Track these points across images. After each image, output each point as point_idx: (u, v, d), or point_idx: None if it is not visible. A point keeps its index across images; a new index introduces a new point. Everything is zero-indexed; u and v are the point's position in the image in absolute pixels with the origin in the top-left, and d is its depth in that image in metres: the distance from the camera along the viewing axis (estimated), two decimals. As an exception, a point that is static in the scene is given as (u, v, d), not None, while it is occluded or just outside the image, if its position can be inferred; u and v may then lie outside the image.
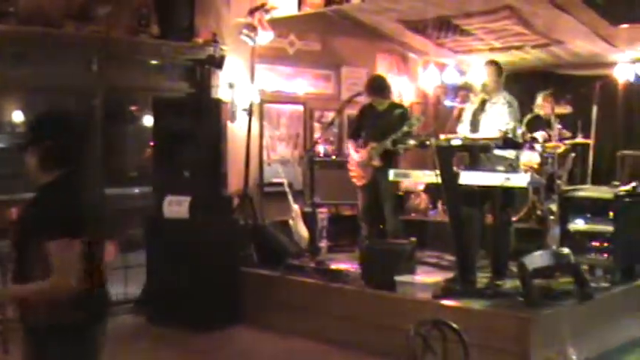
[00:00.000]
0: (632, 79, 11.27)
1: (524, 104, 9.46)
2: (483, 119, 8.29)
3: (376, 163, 9.16)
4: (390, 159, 9.13)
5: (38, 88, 8.92)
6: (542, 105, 10.35)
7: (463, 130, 8.41)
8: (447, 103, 11.55)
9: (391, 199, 9.37)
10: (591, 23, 9.94)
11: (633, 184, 8.61)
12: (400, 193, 10.79)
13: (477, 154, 7.85)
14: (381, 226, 9.45)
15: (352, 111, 10.28)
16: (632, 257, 8.39)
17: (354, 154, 9.43)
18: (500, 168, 7.87)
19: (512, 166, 8.07)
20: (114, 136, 9.79)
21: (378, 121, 9.34)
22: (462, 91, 11.67)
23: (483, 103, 8.38)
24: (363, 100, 9.75)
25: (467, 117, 8.51)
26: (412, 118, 9.14)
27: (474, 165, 7.83)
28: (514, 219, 8.82)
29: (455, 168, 7.90)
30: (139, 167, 10.04)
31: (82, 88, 9.24)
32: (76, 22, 8.90)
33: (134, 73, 9.61)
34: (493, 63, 8.64)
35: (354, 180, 9.46)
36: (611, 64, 11.37)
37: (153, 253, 8.91)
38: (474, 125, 8.34)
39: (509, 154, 8.11)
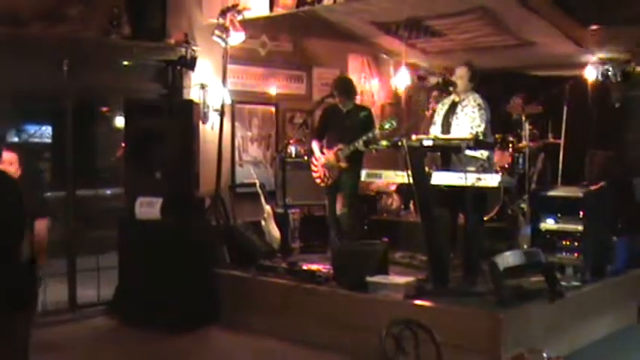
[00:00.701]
0: (601, 79, 11.34)
1: (495, 105, 9.50)
2: (454, 121, 8.31)
3: (343, 164, 9.15)
4: (356, 160, 9.13)
5: (7, 89, 8.83)
6: (514, 106, 10.40)
7: (435, 132, 8.43)
8: (420, 103, 11.58)
9: (352, 202, 9.33)
10: (561, 24, 9.99)
11: (602, 183, 8.68)
12: (372, 193, 10.80)
13: (448, 154, 7.88)
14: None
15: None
16: (602, 256, 8.46)
17: (320, 156, 9.42)
18: (472, 168, 7.90)
19: (484, 167, 8.10)
20: (85, 137, 9.73)
21: (344, 122, 9.32)
22: (434, 92, 11.73)
23: (454, 105, 8.40)
24: (333, 101, 9.76)
25: (438, 119, 8.54)
26: (382, 122, 9.12)
27: (446, 166, 7.86)
28: (485, 219, 8.85)
29: (427, 168, 7.93)
30: (110, 168, 10.01)
31: (53, 89, 9.18)
32: (46, 23, 8.83)
33: (105, 74, 9.54)
34: (468, 65, 8.65)
35: (317, 181, 9.42)
36: (582, 65, 11.44)
37: (125, 255, 8.89)
38: (446, 127, 8.37)
39: (481, 154, 8.14)
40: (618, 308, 8.58)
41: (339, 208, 9.35)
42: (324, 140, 9.44)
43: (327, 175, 9.29)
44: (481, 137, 7.97)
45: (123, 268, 8.92)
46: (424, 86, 12.92)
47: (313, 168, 9.45)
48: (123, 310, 8.85)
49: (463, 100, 8.34)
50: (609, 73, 11.20)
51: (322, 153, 9.36)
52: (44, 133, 9.58)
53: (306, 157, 10.86)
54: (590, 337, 7.91)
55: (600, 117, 11.77)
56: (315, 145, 9.53)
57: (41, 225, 4.86)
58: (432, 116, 9.18)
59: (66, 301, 8.96)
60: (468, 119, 8.19)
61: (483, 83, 8.61)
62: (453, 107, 8.42)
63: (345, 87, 9.52)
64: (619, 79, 11.23)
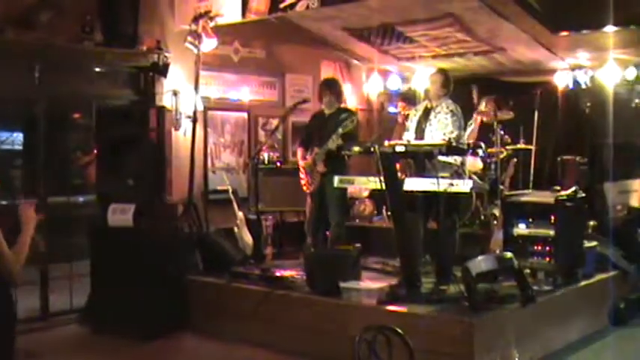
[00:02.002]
0: (571, 85, 11.44)
1: (467, 111, 9.54)
2: (428, 127, 8.33)
3: (320, 168, 9.16)
4: (336, 164, 9.12)
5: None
6: (485, 111, 10.43)
7: (409, 138, 8.45)
8: (391, 109, 11.61)
9: (337, 206, 9.33)
10: (532, 31, 10.06)
11: (573, 188, 8.73)
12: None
13: (422, 160, 7.90)
14: (326, 233, 9.44)
15: (296, 118, 10.33)
16: (573, 260, 8.51)
17: (300, 161, 9.44)
18: (445, 174, 7.92)
19: (458, 172, 8.13)
20: (57, 144, 9.67)
21: (324, 126, 9.34)
22: (405, 98, 11.79)
23: (427, 111, 8.42)
24: (309, 107, 9.77)
25: (412, 125, 8.56)
26: (347, 120, 9.11)
27: (420, 171, 7.88)
28: (458, 224, 8.87)
29: (399, 174, 7.95)
30: (82, 175, 9.95)
31: (24, 95, 9.12)
32: (18, 29, 8.78)
33: (77, 81, 9.50)
34: (441, 72, 8.67)
35: (304, 187, 9.45)
36: (552, 71, 11.54)
37: (97, 262, 8.84)
38: (419, 133, 8.39)
39: (454, 160, 8.17)
40: (590, 312, 8.63)
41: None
42: (310, 146, 9.44)
43: (309, 180, 9.31)
44: (454, 143, 7.99)
45: (95, 276, 8.87)
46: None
47: (300, 174, 9.47)
48: (95, 317, 8.81)
49: (436, 106, 8.36)
50: (579, 79, 11.31)
51: (304, 158, 9.38)
52: (15, 140, 9.52)
53: (278, 164, 10.87)
54: (562, 341, 7.95)
55: (571, 123, 11.86)
56: (299, 152, 9.56)
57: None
58: (404, 122, 9.21)
59: (38, 309, 8.90)
60: (441, 125, 8.22)
61: (455, 89, 8.65)
62: (426, 113, 8.44)
63: (337, 87, 9.57)
64: (588, 85, 11.33)
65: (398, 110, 11.04)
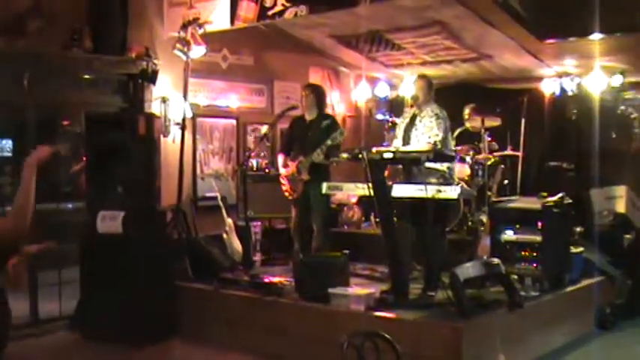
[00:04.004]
0: (557, 92, 11.50)
1: (455, 117, 9.59)
2: (414, 133, 8.38)
3: (305, 176, 9.18)
4: (320, 172, 9.15)
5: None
6: (469, 118, 10.49)
7: (397, 145, 8.50)
8: (379, 116, 11.65)
9: (321, 213, 9.35)
10: (519, 38, 10.11)
11: (560, 194, 8.78)
12: (333, 205, 10.83)
13: (409, 166, 7.94)
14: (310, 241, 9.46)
15: (285, 125, 10.31)
16: (560, 266, 8.56)
17: (282, 169, 9.46)
18: (434, 180, 7.97)
19: (446, 178, 8.17)
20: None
21: (307, 133, 9.37)
22: (393, 105, 11.85)
23: (414, 117, 8.48)
24: (297, 113, 9.79)
25: (400, 132, 8.61)
26: (336, 132, 9.15)
27: (408, 178, 7.91)
28: (446, 230, 8.91)
29: (387, 181, 7.98)
30: (72, 182, 9.93)
31: (14, 102, 9.12)
32: (7, 36, 8.79)
33: (66, 88, 9.51)
34: (423, 77, 8.74)
35: (286, 194, 9.47)
36: (538, 78, 11.60)
37: (87, 269, 8.84)
38: (406, 139, 8.44)
39: (442, 166, 8.21)
40: (576, 317, 8.69)
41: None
42: (291, 153, 9.46)
43: (292, 188, 9.32)
44: (439, 146, 8.05)
45: (85, 282, 8.87)
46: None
47: (282, 181, 9.49)
48: (85, 323, 8.81)
49: (422, 111, 8.42)
50: (565, 86, 11.37)
51: (286, 166, 9.39)
52: (4, 146, 9.50)
53: (267, 170, 10.89)
54: (549, 346, 8.00)
55: (557, 129, 11.92)
56: (280, 159, 9.58)
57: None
58: (394, 128, 9.27)
59: (27, 315, 8.89)
60: (426, 129, 8.27)
61: (443, 96, 8.70)
62: (412, 120, 8.50)
63: (321, 92, 9.62)
64: (574, 92, 11.39)
65: (388, 116, 11.11)
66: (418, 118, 8.40)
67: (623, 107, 11.86)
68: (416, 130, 8.36)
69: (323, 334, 7.33)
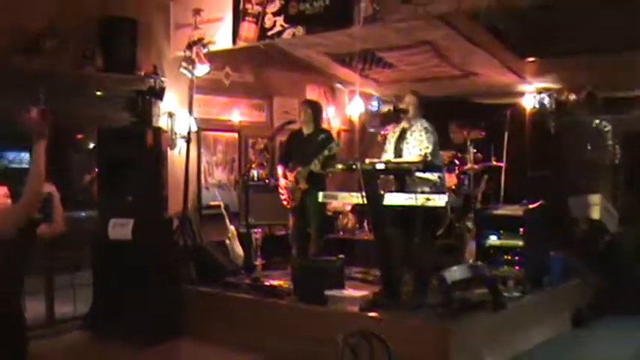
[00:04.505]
0: (537, 107, 11.54)
1: (442, 131, 9.62)
2: (405, 146, 8.43)
3: (303, 186, 9.21)
4: (316, 182, 9.18)
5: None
6: (454, 132, 10.52)
7: (388, 158, 8.53)
8: (371, 130, 11.66)
9: (318, 221, 9.37)
10: (502, 57, 10.16)
11: (541, 202, 8.82)
12: (329, 213, 10.84)
13: (402, 177, 7.97)
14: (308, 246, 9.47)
15: (283, 138, 10.35)
16: (540, 269, 8.61)
17: (282, 179, 9.48)
18: (426, 189, 8.01)
19: (437, 187, 8.21)
20: (61, 163, 9.70)
21: (305, 145, 9.40)
22: (387, 120, 11.85)
23: (404, 131, 8.52)
24: (295, 127, 9.82)
25: (390, 146, 8.65)
26: (332, 144, 9.19)
27: (400, 187, 7.94)
28: (434, 236, 8.94)
29: (380, 190, 8.01)
30: (85, 192, 9.94)
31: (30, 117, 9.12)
32: (24, 56, 8.81)
33: (80, 104, 9.53)
34: (415, 93, 8.79)
35: (284, 203, 9.49)
36: (520, 94, 11.64)
37: (99, 272, 8.86)
38: (397, 152, 8.48)
39: (433, 176, 8.24)
40: (554, 316, 8.72)
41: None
42: (289, 164, 9.49)
43: (291, 197, 9.34)
44: (429, 158, 8.09)
45: (97, 285, 8.88)
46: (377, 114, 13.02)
47: (280, 191, 9.50)
48: (97, 324, 8.81)
49: (412, 126, 8.47)
50: (545, 101, 11.41)
51: (285, 176, 9.42)
52: (23, 159, 9.50)
53: (267, 180, 10.92)
54: (529, 343, 8.02)
55: (538, 142, 11.95)
56: (279, 169, 9.60)
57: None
58: (384, 141, 9.29)
59: (44, 315, 8.90)
60: (417, 142, 8.33)
61: (431, 111, 8.74)
62: (402, 133, 8.54)
63: (318, 108, 9.65)
64: (554, 106, 11.44)
65: (385, 132, 11.13)
66: (408, 132, 8.45)
67: (597, 120, 11.91)
68: (407, 143, 8.41)
69: (320, 333, 7.33)
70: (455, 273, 7.35)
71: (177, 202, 9.76)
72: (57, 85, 9.01)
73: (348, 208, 11.12)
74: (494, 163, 10.64)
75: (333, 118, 12.79)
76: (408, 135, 8.46)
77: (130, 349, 8.15)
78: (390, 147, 8.68)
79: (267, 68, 11.72)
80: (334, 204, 10.58)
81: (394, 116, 9.50)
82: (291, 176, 9.31)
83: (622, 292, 9.50)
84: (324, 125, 11.22)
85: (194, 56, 9.61)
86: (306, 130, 9.49)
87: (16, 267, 4.53)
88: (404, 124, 8.60)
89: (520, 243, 8.34)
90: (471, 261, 8.46)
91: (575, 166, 11.24)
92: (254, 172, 11.00)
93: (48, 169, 4.41)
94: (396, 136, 8.63)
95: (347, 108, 13.12)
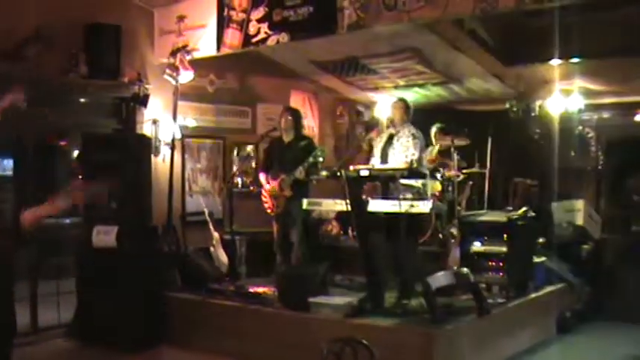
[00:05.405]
0: (520, 114, 11.59)
1: (426, 137, 9.65)
2: (391, 151, 8.45)
3: (287, 193, 9.19)
4: (300, 189, 9.17)
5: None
6: (436, 138, 10.55)
7: (375, 163, 8.56)
8: (357, 135, 11.66)
9: (300, 228, 9.38)
10: (486, 63, 10.23)
11: (524, 208, 8.87)
12: (313, 220, 10.83)
13: (387, 184, 7.99)
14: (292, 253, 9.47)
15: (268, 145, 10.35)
16: (524, 274, 8.65)
17: (266, 186, 9.48)
18: (409, 195, 8.02)
19: (421, 194, 8.23)
20: (45, 170, 9.68)
21: (286, 153, 9.39)
22: (373, 126, 11.89)
23: (391, 137, 8.55)
24: (276, 134, 9.83)
25: (377, 151, 8.67)
26: (317, 151, 9.20)
27: (385, 194, 7.96)
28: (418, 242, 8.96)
29: (364, 197, 8.03)
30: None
31: (14, 125, 9.10)
32: (8, 62, 8.78)
33: (64, 111, 9.51)
34: (401, 101, 8.81)
35: (267, 210, 9.48)
36: (503, 100, 11.69)
37: (83, 280, 8.84)
38: (384, 158, 8.50)
39: (417, 182, 8.26)
40: (539, 321, 8.76)
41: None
42: (270, 171, 9.48)
43: (274, 204, 9.33)
44: (415, 164, 8.10)
45: (81, 293, 8.86)
46: (361, 121, 13.07)
47: (263, 198, 9.49)
48: (82, 331, 8.80)
49: (399, 132, 8.49)
50: (528, 108, 11.47)
51: (268, 183, 9.42)
52: (6, 166, 9.48)
53: (251, 187, 10.91)
54: (514, 349, 8.06)
55: (521, 148, 12.01)
56: (262, 177, 9.58)
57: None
58: (370, 148, 9.31)
59: (28, 324, 8.86)
60: (403, 148, 8.35)
61: (415, 117, 8.77)
62: (389, 139, 8.57)
63: (299, 115, 9.64)
64: (536, 113, 11.50)
65: (370, 137, 11.14)
66: (395, 138, 8.48)
67: (580, 127, 12.00)
68: (393, 149, 8.43)
69: (304, 340, 7.35)
70: (439, 279, 7.38)
71: (162, 209, 9.76)
72: (41, 92, 8.98)
73: (332, 215, 11.12)
74: (478, 169, 10.69)
75: (317, 125, 12.79)
76: (394, 140, 8.49)
77: (113, 357, 8.15)
78: (377, 152, 8.70)
79: (251, 75, 11.73)
80: (318, 211, 10.58)
81: (378, 123, 9.54)
82: (274, 183, 9.31)
83: (606, 298, 9.57)
84: (307, 132, 11.25)
85: (178, 63, 9.62)
86: (287, 138, 9.47)
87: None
88: (391, 130, 8.63)
89: (504, 249, 8.37)
90: (455, 267, 8.48)
91: (559, 173, 11.30)
92: (238, 179, 10.99)
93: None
94: (384, 141, 8.66)
95: (331, 114, 13.13)
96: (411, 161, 8.14)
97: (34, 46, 8.93)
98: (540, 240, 9.58)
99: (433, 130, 10.58)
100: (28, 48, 8.92)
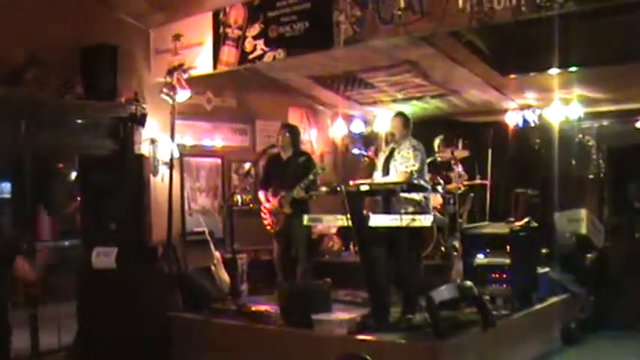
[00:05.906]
0: (520, 124, 11.59)
1: (427, 150, 9.64)
2: (392, 164, 8.44)
3: (287, 210, 9.18)
4: (300, 205, 9.15)
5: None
6: (439, 149, 10.54)
7: (377, 177, 8.56)
8: (355, 151, 11.64)
9: (303, 245, 9.35)
10: (483, 74, 10.21)
11: (526, 219, 8.85)
12: (314, 236, 10.82)
13: (388, 198, 7.97)
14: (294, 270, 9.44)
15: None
16: (528, 285, 8.61)
17: (266, 203, 9.46)
18: (411, 209, 8.01)
19: (422, 207, 8.21)
20: (44, 192, 9.66)
21: (284, 169, 9.38)
22: (373, 141, 11.90)
23: (392, 151, 8.54)
24: (274, 151, 9.82)
25: (380, 165, 8.67)
26: (316, 168, 9.19)
27: (386, 208, 7.94)
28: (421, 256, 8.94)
29: (365, 211, 8.00)
30: (68, 221, 9.90)
31: (12, 147, 9.12)
32: (5, 86, 8.79)
33: (61, 132, 9.52)
34: (400, 115, 8.80)
35: (267, 227, 9.46)
36: (502, 111, 11.68)
37: (84, 302, 8.80)
38: (386, 171, 8.50)
39: (418, 196, 8.24)
40: (544, 332, 8.73)
41: None
42: (270, 189, 9.47)
43: (274, 221, 9.32)
44: (415, 175, 8.09)
45: (82, 315, 8.82)
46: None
47: (263, 215, 9.47)
48: (83, 354, 8.74)
49: (400, 145, 8.48)
50: (527, 118, 11.47)
51: (268, 201, 9.40)
52: (3, 189, 9.47)
53: (251, 205, 10.88)
54: (520, 360, 8.04)
55: (522, 159, 12.01)
56: (261, 194, 9.56)
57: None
58: (372, 163, 9.31)
59: (29, 348, 8.81)
60: (404, 160, 8.33)
61: (415, 130, 8.76)
62: (391, 153, 8.56)
63: (296, 132, 9.64)
64: (536, 123, 11.49)
65: (364, 151, 11.12)
66: (397, 151, 8.47)
67: (581, 136, 11.99)
68: (394, 161, 8.42)
69: (308, 357, 7.33)
70: (443, 293, 7.34)
71: (161, 229, 9.74)
72: (38, 114, 9.01)
73: (333, 230, 11.11)
74: (479, 181, 10.68)
75: (315, 141, 12.80)
76: (395, 153, 8.48)
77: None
78: (379, 166, 8.70)
79: (248, 92, 11.74)
80: (319, 227, 10.57)
81: (377, 137, 9.53)
82: (274, 200, 9.30)
83: (611, 307, 9.54)
84: (306, 148, 11.24)
85: (175, 82, 9.64)
86: (285, 155, 9.46)
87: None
88: (393, 144, 8.62)
89: (507, 261, 8.34)
90: (458, 280, 8.46)
91: (560, 182, 11.28)
92: (238, 197, 10.98)
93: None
94: (386, 155, 8.65)
95: (329, 130, 13.14)
96: (411, 172, 8.13)
97: (30, 70, 8.96)
98: (543, 250, 9.56)
99: (437, 141, 10.58)
100: (25, 72, 8.95)
